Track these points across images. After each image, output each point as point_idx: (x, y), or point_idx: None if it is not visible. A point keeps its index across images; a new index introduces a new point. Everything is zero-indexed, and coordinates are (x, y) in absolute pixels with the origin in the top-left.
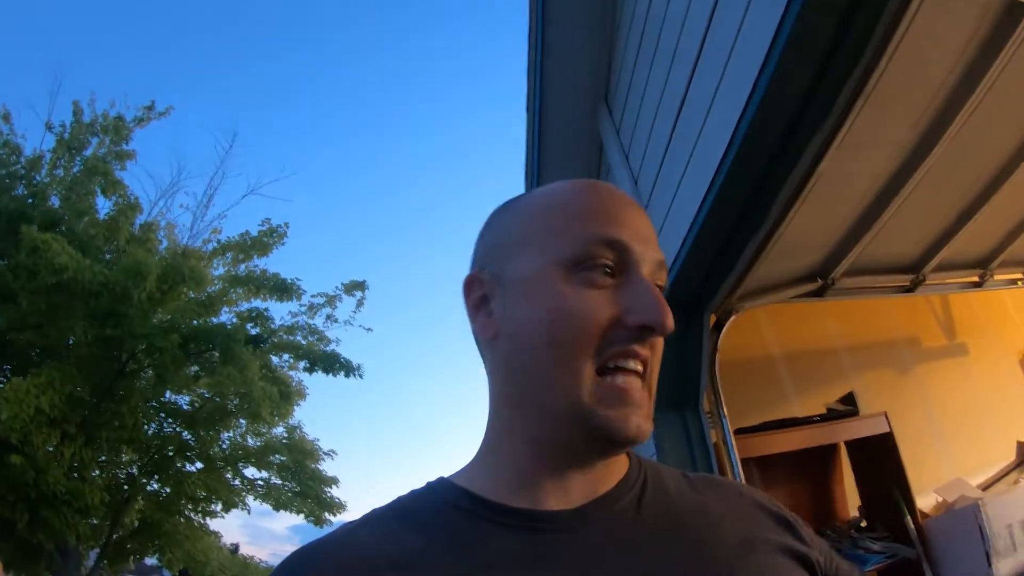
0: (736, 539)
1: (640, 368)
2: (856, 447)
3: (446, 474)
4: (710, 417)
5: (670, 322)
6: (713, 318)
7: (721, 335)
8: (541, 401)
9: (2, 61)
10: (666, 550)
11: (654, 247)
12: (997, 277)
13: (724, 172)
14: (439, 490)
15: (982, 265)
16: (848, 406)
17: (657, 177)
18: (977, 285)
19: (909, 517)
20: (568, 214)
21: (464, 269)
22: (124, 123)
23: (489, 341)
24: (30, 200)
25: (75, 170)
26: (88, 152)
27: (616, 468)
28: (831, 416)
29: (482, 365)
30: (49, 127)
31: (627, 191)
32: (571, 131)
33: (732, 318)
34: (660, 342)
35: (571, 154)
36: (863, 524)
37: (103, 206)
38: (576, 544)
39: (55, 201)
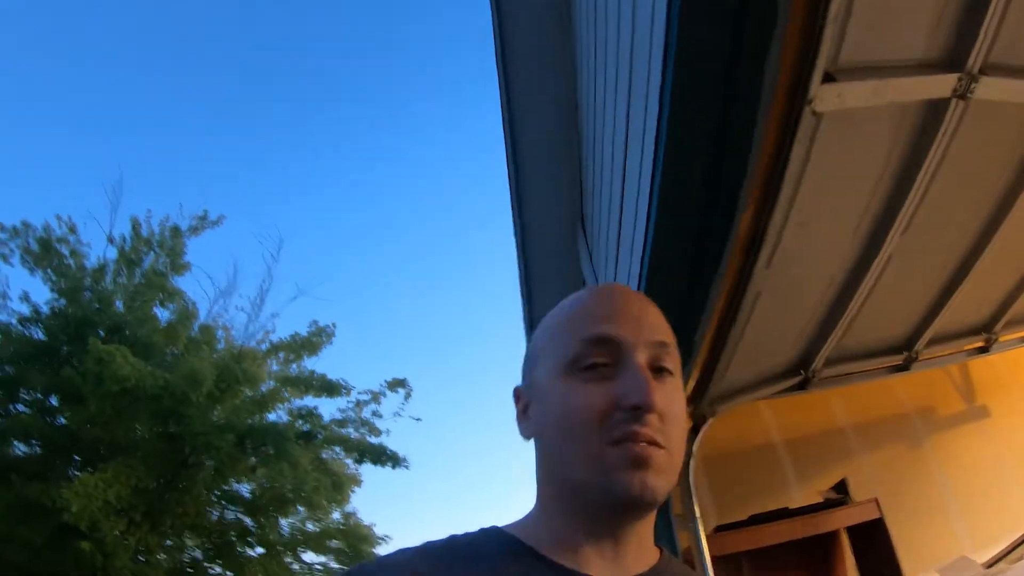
0: None
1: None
2: (854, 532)
3: (499, 523)
4: (681, 520)
5: (656, 400)
6: (689, 424)
7: (698, 440)
8: (565, 478)
9: (66, 174)
10: None
11: (650, 330)
12: (1004, 339)
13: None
14: (492, 535)
15: (986, 330)
16: (840, 494)
17: None
18: (984, 350)
19: None
20: (566, 324)
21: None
22: (180, 234)
23: (531, 440)
24: (96, 306)
25: (136, 280)
26: (147, 263)
27: (648, 552)
28: (821, 505)
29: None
30: (111, 240)
31: None
32: (554, 253)
33: (710, 421)
34: (671, 418)
35: (555, 273)
36: None
37: (163, 312)
38: None
39: (119, 305)
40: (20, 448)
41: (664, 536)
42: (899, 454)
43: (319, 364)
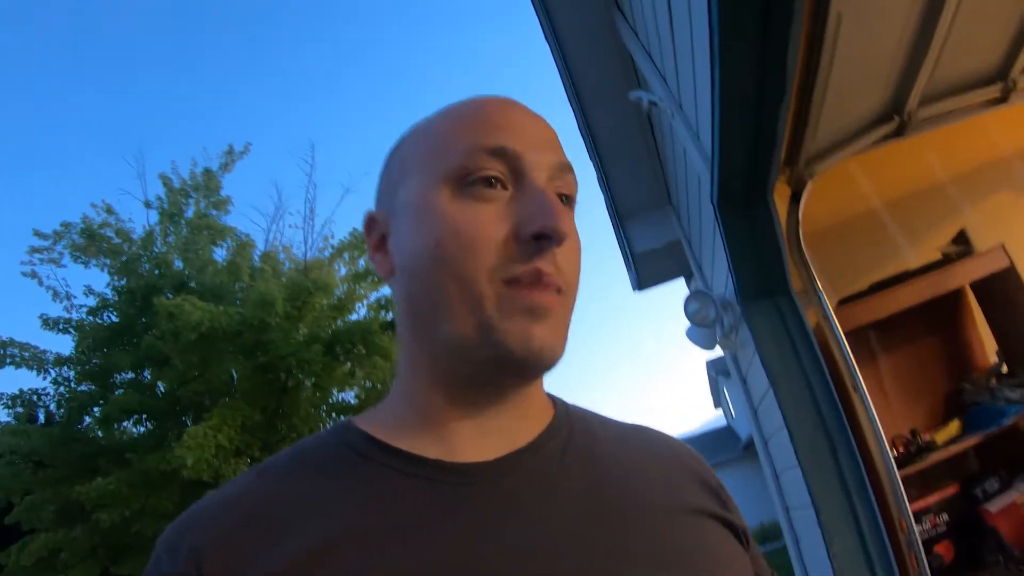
0: (664, 497)
1: (551, 283)
2: (981, 288)
3: (355, 417)
4: (804, 296)
5: (565, 226)
6: (788, 191)
7: (801, 207)
8: (440, 331)
9: (85, 163)
10: (588, 505)
11: (554, 150)
12: None
13: (718, 33)
14: (343, 436)
15: None
16: (960, 245)
17: (677, 71)
18: None
19: None
20: (450, 130)
21: None
22: (213, 175)
23: (388, 280)
24: (156, 271)
25: (184, 232)
26: (189, 212)
27: (538, 414)
28: (943, 261)
29: None
30: (148, 205)
31: (659, 93)
32: (594, 48)
33: (809, 185)
34: (571, 254)
35: (602, 72)
36: (1004, 370)
37: (220, 252)
38: (491, 498)
39: (179, 264)
40: (129, 427)
41: (792, 317)
42: (1009, 200)
43: None
